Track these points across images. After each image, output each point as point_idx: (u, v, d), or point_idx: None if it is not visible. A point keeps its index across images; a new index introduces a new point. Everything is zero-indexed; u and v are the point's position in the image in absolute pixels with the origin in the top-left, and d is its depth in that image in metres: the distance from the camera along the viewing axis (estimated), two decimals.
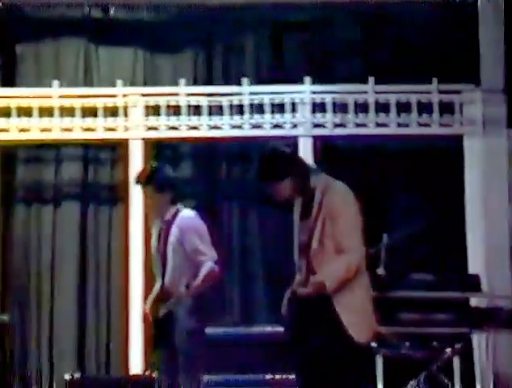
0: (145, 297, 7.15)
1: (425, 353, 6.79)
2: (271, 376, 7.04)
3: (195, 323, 5.64)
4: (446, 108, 7.76)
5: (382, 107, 7.78)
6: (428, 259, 7.56)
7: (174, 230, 5.66)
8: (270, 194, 4.78)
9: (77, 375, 6.99)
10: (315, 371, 4.60)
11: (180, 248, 5.66)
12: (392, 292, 6.83)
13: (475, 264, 7.57)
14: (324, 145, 7.82)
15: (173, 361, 5.65)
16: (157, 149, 7.88)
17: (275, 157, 4.79)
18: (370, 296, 4.69)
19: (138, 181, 5.81)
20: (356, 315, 4.56)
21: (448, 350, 6.83)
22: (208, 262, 5.62)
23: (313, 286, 4.58)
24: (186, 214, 5.72)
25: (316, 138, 7.80)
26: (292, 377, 6.98)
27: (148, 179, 5.72)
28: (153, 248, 5.83)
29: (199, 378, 5.69)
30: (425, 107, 7.76)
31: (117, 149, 7.95)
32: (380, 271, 6.91)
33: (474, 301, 6.98)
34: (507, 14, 7.66)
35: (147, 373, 7.05)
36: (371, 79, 7.79)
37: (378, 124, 7.80)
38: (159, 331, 5.75)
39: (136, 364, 7.49)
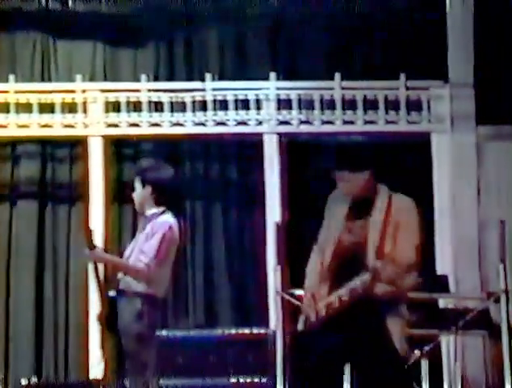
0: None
1: None
2: (236, 379, 6.97)
3: (142, 327, 5.56)
4: (414, 105, 7.70)
5: (349, 104, 7.69)
6: None
7: (147, 230, 5.67)
8: (341, 186, 4.56)
9: (34, 379, 6.89)
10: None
11: (140, 248, 5.66)
12: None
13: (443, 265, 7.51)
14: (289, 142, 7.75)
15: (123, 365, 5.60)
16: (117, 147, 7.78)
17: (361, 145, 4.62)
18: None
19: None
20: (401, 328, 4.46)
21: (416, 352, 6.76)
22: (141, 262, 5.57)
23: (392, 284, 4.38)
24: (163, 219, 5.70)
25: (281, 135, 7.71)
26: (257, 380, 6.94)
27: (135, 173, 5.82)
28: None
29: (148, 383, 5.57)
30: (392, 104, 7.69)
31: (76, 147, 7.81)
32: None
33: (442, 303, 6.91)
34: (476, 8, 7.60)
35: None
36: (338, 75, 7.70)
37: (344, 122, 7.72)
38: (109, 331, 5.70)
39: (96, 369, 7.21)
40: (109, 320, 5.66)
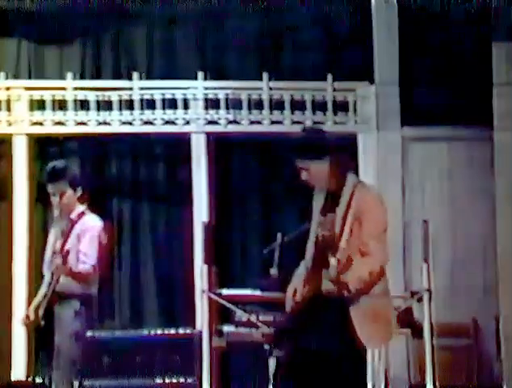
0: (29, 299, 6.95)
1: None
2: (162, 380, 6.97)
3: (80, 325, 5.64)
4: (341, 106, 7.77)
5: (276, 105, 7.73)
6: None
7: (76, 232, 5.73)
8: (302, 176, 4.51)
9: None
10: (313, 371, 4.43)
11: (75, 249, 5.70)
12: (285, 293, 6.80)
13: None
14: (218, 142, 7.76)
15: (53, 364, 5.63)
16: (42, 146, 7.70)
17: (318, 133, 4.61)
18: (389, 302, 4.55)
19: (50, 177, 5.78)
20: (371, 321, 4.41)
21: None
22: (87, 264, 5.66)
23: (338, 286, 4.38)
24: (91, 219, 5.82)
25: (209, 135, 7.71)
26: (182, 380, 6.94)
27: (60, 176, 5.74)
28: (49, 246, 5.85)
29: (73, 382, 5.59)
30: (319, 105, 7.74)
31: (0, 145, 7.70)
32: (273, 271, 6.86)
33: None
34: (400, 10, 7.68)
35: (30, 378, 6.91)
36: (266, 76, 7.73)
37: (272, 122, 7.76)
38: (43, 332, 5.71)
39: (19, 370, 7.28)
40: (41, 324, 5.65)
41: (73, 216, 5.77)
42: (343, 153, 4.64)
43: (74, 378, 5.63)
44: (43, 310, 5.67)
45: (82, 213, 5.79)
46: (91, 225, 5.78)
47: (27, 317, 5.81)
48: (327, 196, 4.55)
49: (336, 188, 4.51)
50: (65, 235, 5.73)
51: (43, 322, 5.67)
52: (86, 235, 5.71)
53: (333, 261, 4.40)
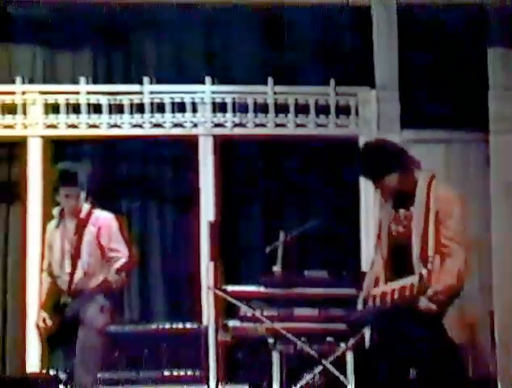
0: (41, 297, 7.10)
1: (320, 348, 6.90)
2: (170, 372, 7.07)
3: (104, 320, 5.81)
4: (343, 110, 7.91)
5: (281, 108, 7.89)
6: (323, 256, 7.71)
7: (91, 229, 5.86)
8: (378, 190, 4.57)
9: None
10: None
11: (95, 246, 5.86)
12: (287, 289, 6.96)
13: (368, 262, 7.61)
14: (223, 143, 7.89)
15: (76, 359, 5.74)
16: (56, 148, 7.81)
17: (384, 149, 4.59)
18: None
19: (66, 181, 5.91)
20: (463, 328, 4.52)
21: (342, 345, 6.94)
22: (122, 258, 5.82)
23: (434, 302, 4.30)
24: (103, 214, 5.97)
25: (216, 137, 7.87)
26: (190, 373, 7.04)
27: (75, 180, 5.91)
28: (57, 247, 5.96)
29: (96, 375, 5.78)
30: (322, 109, 7.90)
31: (15, 147, 7.84)
32: (277, 268, 7.00)
33: None
34: (400, 15, 7.82)
35: (44, 371, 7.02)
36: (270, 80, 7.89)
37: (277, 125, 7.90)
38: (63, 328, 5.84)
39: (34, 363, 7.37)
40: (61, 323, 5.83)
41: (83, 215, 5.90)
42: (407, 155, 4.61)
43: (96, 372, 5.77)
44: (71, 312, 5.80)
45: (91, 211, 5.93)
46: (106, 219, 5.91)
47: (44, 321, 5.91)
48: (396, 193, 4.56)
49: (405, 188, 4.54)
50: (78, 235, 5.86)
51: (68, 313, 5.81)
52: (106, 230, 5.85)
53: (424, 272, 4.29)
